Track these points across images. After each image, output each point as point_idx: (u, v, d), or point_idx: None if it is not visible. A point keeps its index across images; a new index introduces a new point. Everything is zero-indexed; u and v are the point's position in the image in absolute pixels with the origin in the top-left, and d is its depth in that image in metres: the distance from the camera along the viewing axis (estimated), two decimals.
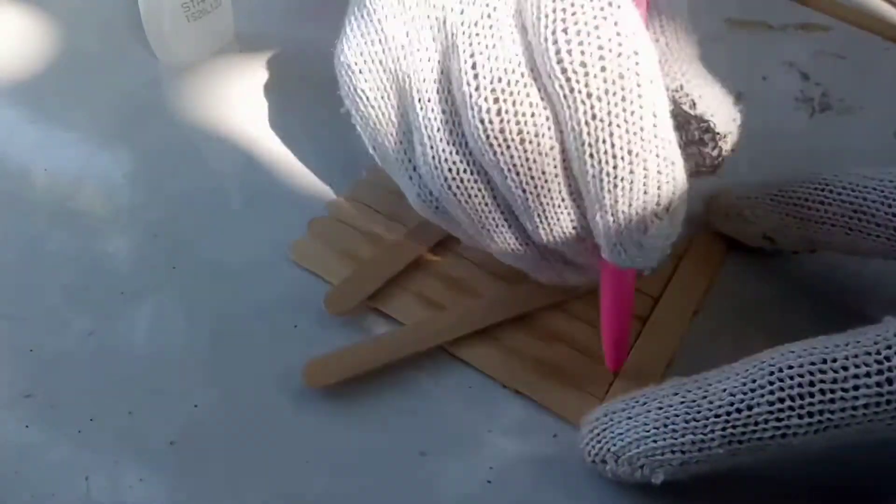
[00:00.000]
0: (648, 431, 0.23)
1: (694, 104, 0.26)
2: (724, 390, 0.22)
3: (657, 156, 0.22)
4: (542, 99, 0.23)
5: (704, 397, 0.23)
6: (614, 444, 0.24)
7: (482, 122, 0.23)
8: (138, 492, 0.25)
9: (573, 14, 0.21)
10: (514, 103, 0.22)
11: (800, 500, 0.25)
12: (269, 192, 0.33)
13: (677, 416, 0.23)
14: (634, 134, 0.21)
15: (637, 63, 0.21)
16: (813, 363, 0.21)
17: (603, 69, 0.21)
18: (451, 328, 0.28)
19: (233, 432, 0.26)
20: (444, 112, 0.24)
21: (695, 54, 0.26)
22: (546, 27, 0.22)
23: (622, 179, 0.22)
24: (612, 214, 0.22)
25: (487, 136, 0.23)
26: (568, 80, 0.21)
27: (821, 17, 0.41)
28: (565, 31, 0.21)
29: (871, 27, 0.40)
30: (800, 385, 0.21)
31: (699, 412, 0.22)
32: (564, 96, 0.22)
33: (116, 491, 0.25)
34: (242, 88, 0.37)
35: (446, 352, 0.28)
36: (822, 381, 0.21)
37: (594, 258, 0.25)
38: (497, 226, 0.25)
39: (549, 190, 0.23)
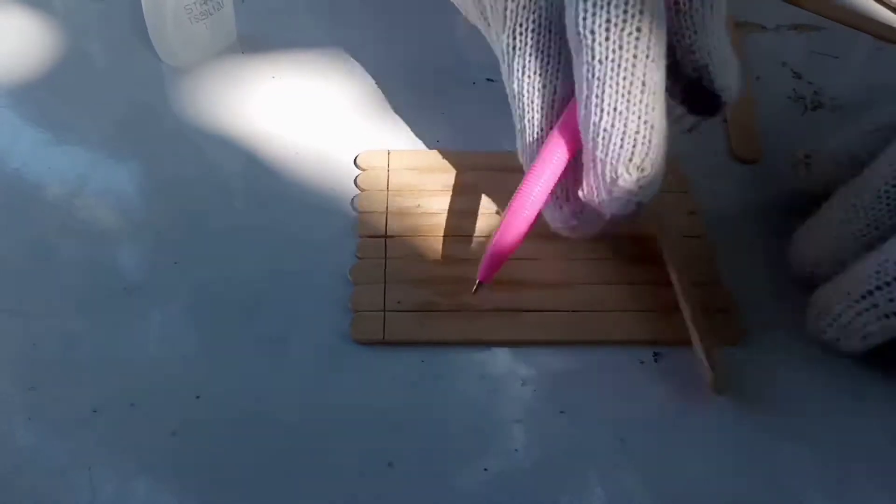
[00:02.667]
0: None
1: (700, 73, 0.28)
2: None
3: (638, 118, 0.25)
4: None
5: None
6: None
7: None
8: (140, 482, 0.25)
9: None
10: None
11: None
12: (272, 192, 0.33)
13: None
14: (622, 96, 0.25)
15: (637, 39, 0.25)
16: None
17: (607, 38, 0.25)
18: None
19: (234, 423, 0.27)
20: None
21: (719, 18, 0.28)
22: None
23: (603, 130, 0.26)
24: (592, 159, 0.26)
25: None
26: (580, 42, 0.26)
27: (813, 17, 0.41)
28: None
29: (862, 27, 0.40)
30: None
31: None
32: (577, 53, 0.26)
33: (119, 482, 0.25)
34: (244, 89, 0.37)
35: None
36: None
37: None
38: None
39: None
